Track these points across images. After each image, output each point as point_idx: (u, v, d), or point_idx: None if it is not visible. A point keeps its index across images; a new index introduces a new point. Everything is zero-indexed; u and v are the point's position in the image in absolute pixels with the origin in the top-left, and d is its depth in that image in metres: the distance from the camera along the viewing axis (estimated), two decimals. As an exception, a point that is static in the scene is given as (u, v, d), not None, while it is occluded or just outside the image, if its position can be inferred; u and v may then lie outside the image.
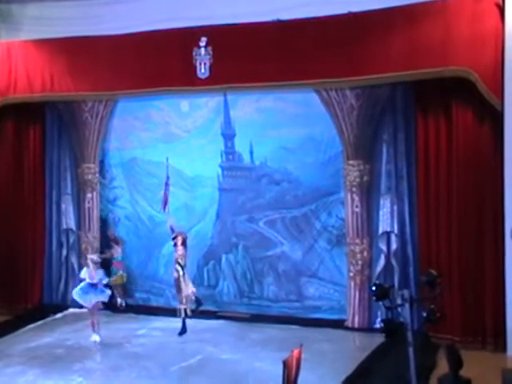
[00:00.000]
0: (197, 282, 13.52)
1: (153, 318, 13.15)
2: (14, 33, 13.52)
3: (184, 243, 12.03)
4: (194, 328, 12.35)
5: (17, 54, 13.40)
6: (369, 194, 12.27)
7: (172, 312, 12.99)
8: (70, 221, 14.21)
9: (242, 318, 12.93)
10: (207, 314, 13.08)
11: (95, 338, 11.73)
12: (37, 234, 14.20)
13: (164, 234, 13.76)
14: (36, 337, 12.14)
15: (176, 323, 12.61)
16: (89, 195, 14.02)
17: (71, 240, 14.22)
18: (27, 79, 13.38)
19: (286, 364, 7.54)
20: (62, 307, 13.88)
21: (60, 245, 14.27)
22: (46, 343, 11.81)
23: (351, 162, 12.21)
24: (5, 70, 13.44)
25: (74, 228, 14.19)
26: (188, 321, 12.07)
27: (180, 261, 11.87)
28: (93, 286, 11.80)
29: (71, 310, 13.78)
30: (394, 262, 12.04)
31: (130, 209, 14.12)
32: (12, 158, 14.08)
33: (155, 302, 13.88)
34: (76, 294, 11.89)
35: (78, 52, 13.03)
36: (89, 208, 14.05)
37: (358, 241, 12.29)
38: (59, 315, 13.63)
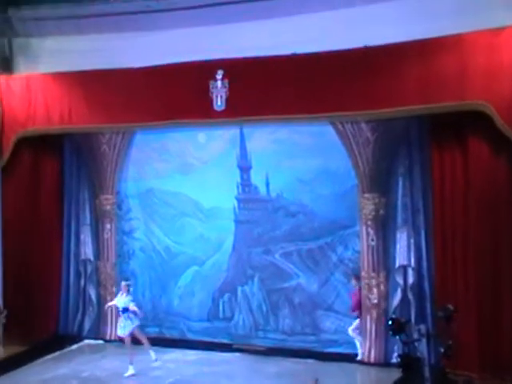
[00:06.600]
0: (212, 314, 13.51)
1: (167, 349, 13.09)
2: (32, 66, 13.69)
3: None
4: (208, 360, 12.31)
5: (36, 86, 13.52)
6: (384, 227, 12.22)
7: (187, 343, 12.98)
8: (88, 251, 14.28)
9: (258, 351, 12.87)
10: (222, 347, 13.05)
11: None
12: (53, 265, 14.24)
13: (181, 264, 13.78)
14: (51, 368, 12.18)
15: (191, 356, 12.58)
16: (107, 226, 14.09)
17: (89, 270, 14.27)
18: (46, 111, 13.48)
19: (301, 399, 7.50)
20: (78, 338, 13.89)
21: (78, 275, 14.32)
22: (62, 374, 11.85)
23: (366, 195, 12.19)
24: (25, 103, 13.56)
25: (92, 258, 14.24)
26: (203, 353, 11.97)
27: None
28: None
29: (86, 341, 13.78)
30: (410, 295, 11.96)
31: (145, 240, 14.14)
32: (29, 189, 14.10)
33: (169, 334, 13.81)
34: None
35: (96, 85, 13.14)
36: (107, 239, 14.12)
37: (373, 274, 12.21)
38: (75, 346, 13.63)
